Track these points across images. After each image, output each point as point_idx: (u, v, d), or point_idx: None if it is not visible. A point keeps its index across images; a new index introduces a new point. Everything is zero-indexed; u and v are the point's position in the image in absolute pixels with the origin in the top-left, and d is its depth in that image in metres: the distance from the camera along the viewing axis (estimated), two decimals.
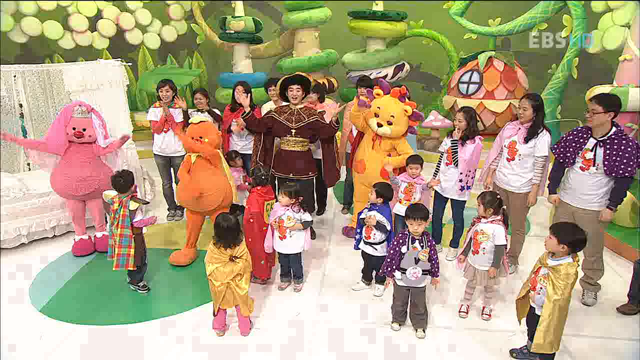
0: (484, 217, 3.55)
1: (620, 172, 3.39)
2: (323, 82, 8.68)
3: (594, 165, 3.49)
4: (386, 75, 8.74)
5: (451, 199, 4.47)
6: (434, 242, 3.40)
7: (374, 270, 4.07)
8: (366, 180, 4.44)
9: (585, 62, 7.65)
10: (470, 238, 3.60)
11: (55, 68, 5.36)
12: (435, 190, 4.53)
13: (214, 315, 3.44)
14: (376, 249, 3.91)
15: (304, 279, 4.24)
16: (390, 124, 4.24)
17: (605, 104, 3.38)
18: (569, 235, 2.83)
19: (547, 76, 8.00)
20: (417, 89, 10.44)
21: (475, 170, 4.34)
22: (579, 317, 3.68)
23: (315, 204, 5.62)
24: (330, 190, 6.06)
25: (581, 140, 3.56)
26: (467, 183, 4.31)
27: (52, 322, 3.62)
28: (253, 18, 8.72)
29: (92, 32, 8.93)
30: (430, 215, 4.52)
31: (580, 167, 3.56)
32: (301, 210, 3.90)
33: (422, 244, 3.34)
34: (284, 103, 4.81)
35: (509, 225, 3.72)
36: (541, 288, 2.91)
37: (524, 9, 7.91)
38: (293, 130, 4.57)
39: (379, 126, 4.28)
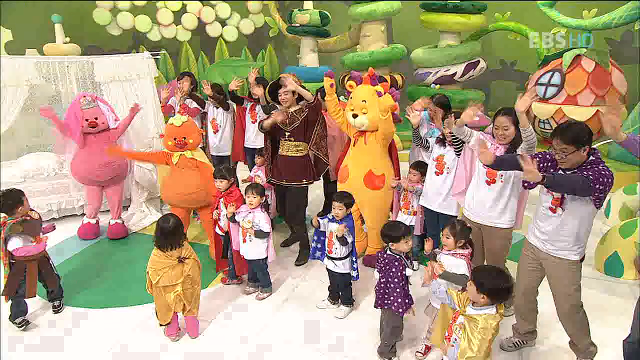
0: (447, 249, 3.01)
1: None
2: (385, 79, 8.22)
3: (561, 206, 2.72)
4: (454, 74, 7.97)
5: (440, 214, 3.88)
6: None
7: (338, 289, 3.73)
8: (350, 189, 4.00)
9: None
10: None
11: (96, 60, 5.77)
12: (425, 208, 3.99)
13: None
14: (336, 265, 3.57)
15: (276, 288, 4.05)
16: (365, 112, 3.88)
17: (576, 142, 2.57)
18: (489, 281, 2.28)
19: None
20: (510, 88, 9.37)
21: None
22: None
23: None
24: None
25: (551, 172, 2.75)
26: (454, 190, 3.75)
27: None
28: (320, 11, 8.55)
29: (176, 26, 9.58)
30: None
31: (549, 207, 2.79)
32: (263, 217, 3.70)
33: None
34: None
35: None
36: (455, 339, 2.38)
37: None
38: (287, 133, 4.32)
39: (354, 117, 3.94)
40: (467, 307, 2.40)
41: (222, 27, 9.84)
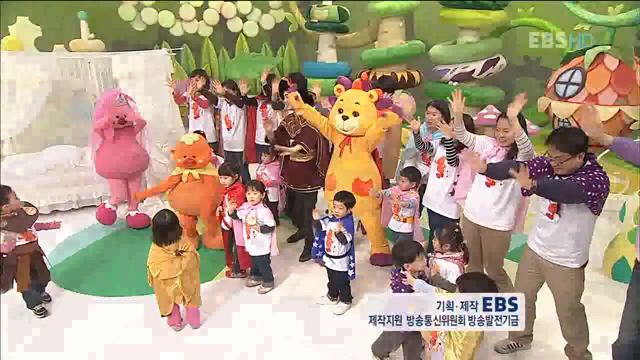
0: (439, 252, 3.02)
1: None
2: (402, 76, 8.17)
3: (557, 212, 2.68)
4: (473, 71, 7.84)
5: (442, 216, 3.84)
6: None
7: (336, 287, 3.79)
8: None
9: None
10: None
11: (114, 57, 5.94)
12: (428, 208, 3.98)
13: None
14: (334, 263, 3.62)
15: (279, 283, 4.13)
16: (356, 115, 3.83)
17: (571, 149, 2.53)
18: (473, 287, 2.29)
19: None
20: (534, 85, 9.15)
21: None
22: None
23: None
24: None
25: (548, 177, 2.73)
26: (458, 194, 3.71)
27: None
28: (338, 7, 8.53)
29: (198, 21, 9.73)
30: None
31: (547, 213, 2.75)
32: (266, 212, 3.78)
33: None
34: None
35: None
36: (440, 344, 2.40)
37: None
38: (291, 140, 4.33)
39: (344, 119, 3.88)
40: None
41: (243, 22, 9.94)
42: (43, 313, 3.71)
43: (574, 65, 6.83)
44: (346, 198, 3.58)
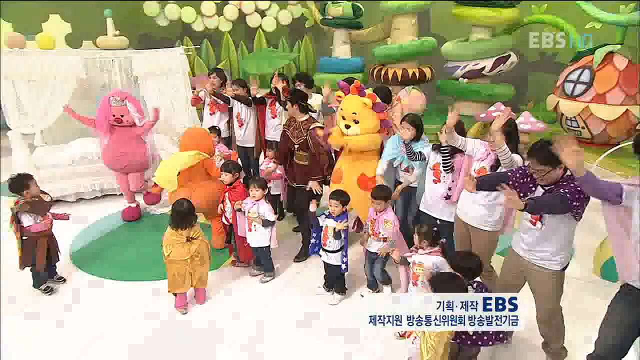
0: (421, 248, 3.18)
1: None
2: (413, 72, 8.22)
3: (540, 221, 2.77)
4: (483, 68, 7.83)
5: (442, 221, 3.84)
6: None
7: (331, 279, 3.98)
8: (345, 189, 4.00)
9: None
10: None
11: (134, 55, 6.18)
12: (423, 211, 4.01)
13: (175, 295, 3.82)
14: (329, 257, 3.82)
15: (279, 273, 4.36)
16: (357, 122, 3.97)
17: (552, 162, 2.60)
18: (445, 287, 2.47)
19: None
20: (548, 81, 9.03)
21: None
22: None
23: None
24: None
25: (530, 187, 2.82)
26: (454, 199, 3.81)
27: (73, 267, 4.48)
28: (352, 4, 8.59)
29: (218, 17, 9.94)
30: None
31: (530, 220, 2.84)
32: (268, 208, 3.99)
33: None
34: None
35: None
36: (415, 338, 2.58)
37: None
38: (296, 146, 4.41)
39: (347, 127, 4.02)
40: None
41: (262, 18, 10.09)
42: (49, 291, 4.03)
43: (583, 64, 6.77)
44: (341, 196, 3.75)
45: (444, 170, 3.70)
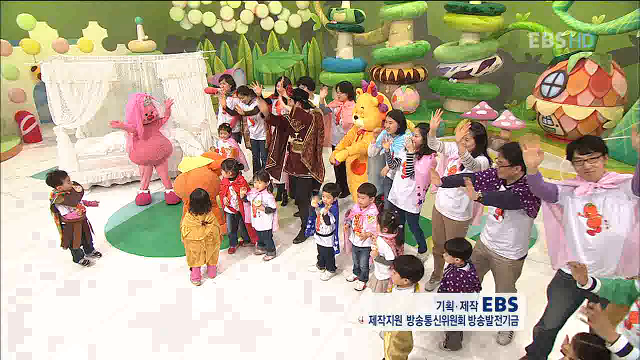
0: (381, 233, 3.45)
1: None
2: (408, 72, 8.36)
3: (502, 215, 2.98)
4: (471, 70, 7.93)
5: (405, 212, 4.13)
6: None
7: (323, 259, 4.27)
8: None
9: None
10: None
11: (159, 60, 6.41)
12: (390, 202, 4.25)
13: (190, 270, 4.15)
14: (322, 240, 4.10)
15: (280, 253, 4.65)
16: (363, 117, 4.46)
17: (510, 158, 2.80)
18: (407, 267, 2.71)
19: None
20: (533, 80, 8.99)
21: (429, 184, 3.94)
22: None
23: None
24: None
25: (495, 185, 3.02)
26: (422, 197, 4.05)
27: (107, 243, 4.85)
28: (355, 10, 8.70)
29: (235, 21, 10.12)
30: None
31: (494, 214, 3.05)
32: (270, 197, 4.29)
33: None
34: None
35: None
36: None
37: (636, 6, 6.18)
38: (296, 134, 4.60)
39: (355, 118, 4.52)
40: (393, 289, 2.83)
41: (274, 21, 10.25)
42: (87, 263, 4.42)
43: (558, 69, 6.85)
44: (332, 189, 4.02)
45: (406, 173, 3.93)
